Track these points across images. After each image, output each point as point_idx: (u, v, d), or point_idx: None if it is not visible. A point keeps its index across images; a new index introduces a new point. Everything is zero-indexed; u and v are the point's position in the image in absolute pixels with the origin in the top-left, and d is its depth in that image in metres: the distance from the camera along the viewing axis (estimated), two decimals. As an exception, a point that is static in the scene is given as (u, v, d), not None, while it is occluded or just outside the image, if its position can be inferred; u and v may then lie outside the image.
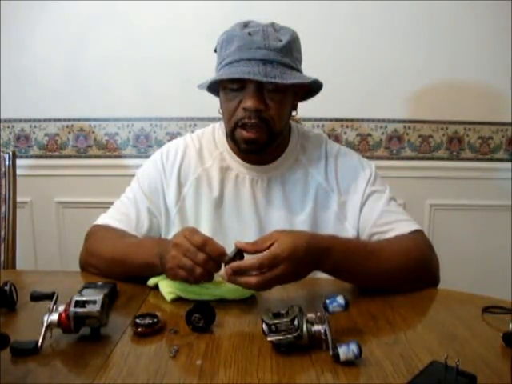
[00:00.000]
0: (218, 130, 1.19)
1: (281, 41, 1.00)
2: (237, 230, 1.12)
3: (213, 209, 1.12)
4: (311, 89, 1.10)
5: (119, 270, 1.01)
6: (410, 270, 0.98)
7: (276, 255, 0.83)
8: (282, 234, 0.87)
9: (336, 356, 0.68)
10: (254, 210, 1.12)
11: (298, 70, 1.05)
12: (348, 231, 1.11)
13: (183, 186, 1.14)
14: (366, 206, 1.11)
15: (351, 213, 1.12)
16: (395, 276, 0.96)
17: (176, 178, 1.14)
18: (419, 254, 1.01)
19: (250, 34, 1.00)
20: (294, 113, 1.12)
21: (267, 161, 1.13)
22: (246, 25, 1.04)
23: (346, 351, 0.67)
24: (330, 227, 1.11)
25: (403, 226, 1.07)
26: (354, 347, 0.67)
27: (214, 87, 1.07)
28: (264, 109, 1.01)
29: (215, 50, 1.08)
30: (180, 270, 0.87)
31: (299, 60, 1.06)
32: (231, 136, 1.07)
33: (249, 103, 1.00)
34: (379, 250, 1.00)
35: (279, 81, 0.97)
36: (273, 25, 1.04)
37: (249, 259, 0.85)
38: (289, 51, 1.01)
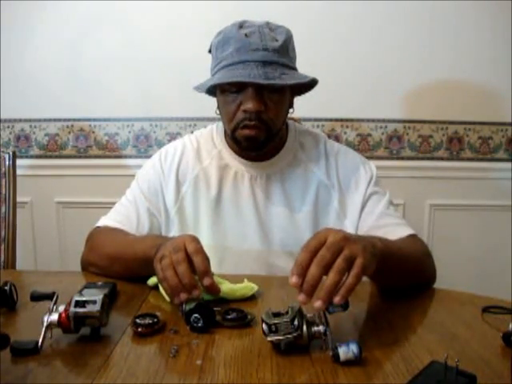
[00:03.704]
0: (216, 129, 1.19)
1: (277, 41, 1.00)
2: (236, 227, 1.12)
3: (212, 207, 1.13)
4: (306, 85, 1.09)
5: (119, 265, 1.01)
6: (413, 271, 0.97)
7: (333, 241, 0.71)
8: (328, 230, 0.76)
9: (336, 356, 0.67)
10: (253, 207, 1.12)
11: (295, 69, 1.05)
12: (347, 229, 1.11)
13: (182, 185, 1.14)
14: (367, 206, 1.12)
15: (351, 211, 1.12)
16: (409, 275, 0.95)
17: (174, 177, 1.14)
18: (418, 257, 1.00)
19: (246, 35, 0.99)
20: (290, 110, 1.12)
21: (265, 157, 1.13)
22: (241, 25, 1.03)
23: (345, 351, 0.67)
24: (330, 224, 1.11)
25: (400, 230, 1.06)
26: (353, 347, 0.67)
27: (211, 88, 1.06)
28: (264, 110, 1.01)
29: (209, 51, 1.08)
30: (159, 264, 0.83)
31: (295, 58, 1.07)
32: (232, 137, 1.08)
33: (249, 105, 1.00)
34: (401, 246, 0.97)
35: (280, 82, 0.97)
36: (268, 24, 1.04)
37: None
38: (285, 51, 1.01)
